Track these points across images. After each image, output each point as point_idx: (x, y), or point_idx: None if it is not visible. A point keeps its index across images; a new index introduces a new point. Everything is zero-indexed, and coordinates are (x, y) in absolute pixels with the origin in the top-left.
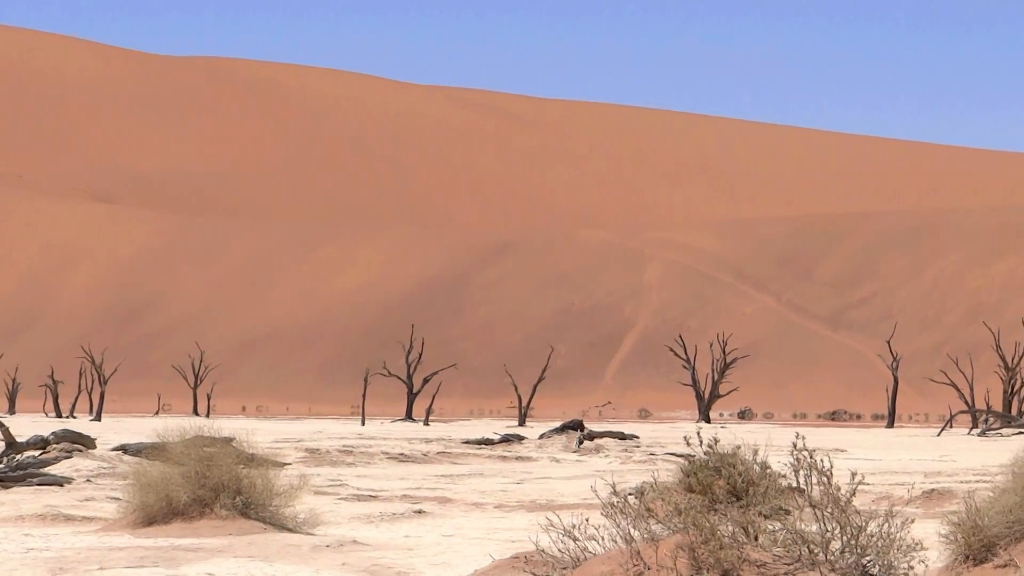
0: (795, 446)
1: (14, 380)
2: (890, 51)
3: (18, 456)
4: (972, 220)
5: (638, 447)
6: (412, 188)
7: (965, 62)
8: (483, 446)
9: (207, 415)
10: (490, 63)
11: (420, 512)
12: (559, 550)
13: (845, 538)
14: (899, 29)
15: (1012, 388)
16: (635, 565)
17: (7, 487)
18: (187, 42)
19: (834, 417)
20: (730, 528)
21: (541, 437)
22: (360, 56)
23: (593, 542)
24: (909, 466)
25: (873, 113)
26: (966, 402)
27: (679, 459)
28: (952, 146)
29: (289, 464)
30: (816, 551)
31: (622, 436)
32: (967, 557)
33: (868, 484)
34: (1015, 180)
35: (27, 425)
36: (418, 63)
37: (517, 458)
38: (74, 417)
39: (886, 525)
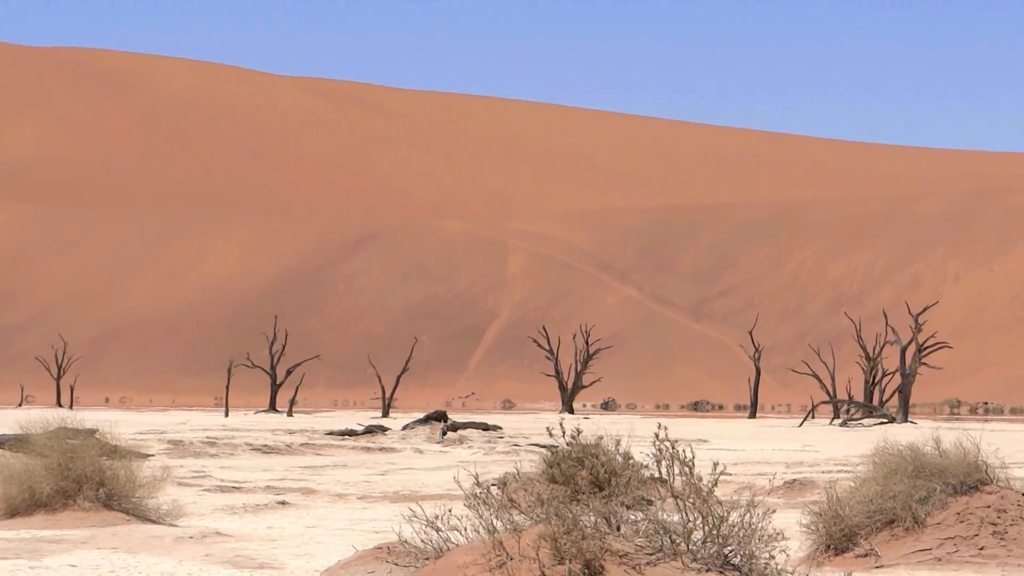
0: (657, 436)
1: None
2: (748, 41)
3: None
4: (832, 211)
5: (501, 438)
6: (273, 179)
7: (821, 52)
8: (347, 437)
9: (70, 406)
10: (350, 54)
11: (283, 503)
12: (422, 541)
13: (707, 528)
14: (756, 18)
15: (873, 378)
16: (497, 555)
17: None
18: (45, 32)
19: (697, 407)
20: (592, 518)
21: (405, 428)
22: (219, 47)
23: (456, 533)
24: (771, 456)
25: (734, 104)
26: (828, 392)
27: (542, 450)
28: (813, 137)
29: (152, 455)
30: (678, 541)
31: (485, 427)
32: (828, 547)
33: (730, 474)
34: (875, 171)
35: None
36: (277, 54)
37: (381, 449)
38: None
39: (748, 515)
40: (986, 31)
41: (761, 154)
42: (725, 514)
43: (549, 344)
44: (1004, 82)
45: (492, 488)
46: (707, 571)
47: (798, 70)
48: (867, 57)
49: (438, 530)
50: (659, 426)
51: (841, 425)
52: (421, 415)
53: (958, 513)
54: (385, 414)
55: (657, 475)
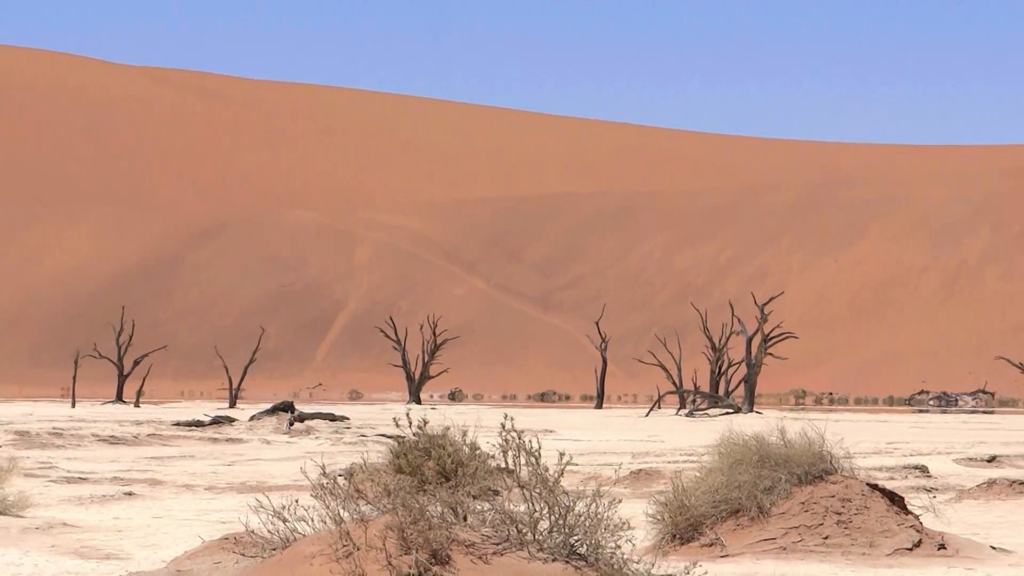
0: (504, 427)
1: None
2: (596, 31)
3: None
4: (680, 202)
5: (348, 428)
6: (120, 169)
7: (669, 42)
8: (194, 428)
9: None
10: (199, 43)
11: (130, 494)
12: (269, 531)
13: (553, 518)
14: (605, 7)
15: (719, 369)
16: (344, 546)
17: None
18: None
19: (544, 398)
20: (439, 509)
21: (252, 419)
22: (66, 36)
23: (303, 523)
24: (617, 446)
25: (579, 95)
26: (674, 383)
27: (389, 440)
28: (661, 128)
29: None
30: (524, 531)
31: (333, 418)
32: (674, 536)
33: (577, 464)
34: (722, 162)
35: None
36: (125, 43)
37: (228, 440)
38: None
39: (594, 505)
40: (832, 21)
41: (609, 145)
42: (571, 504)
43: (396, 335)
44: (850, 73)
45: (339, 479)
46: (553, 560)
47: (646, 61)
48: (713, 47)
49: (285, 521)
50: (506, 416)
51: (687, 415)
52: (268, 406)
53: (803, 503)
54: (232, 405)
55: (503, 465)
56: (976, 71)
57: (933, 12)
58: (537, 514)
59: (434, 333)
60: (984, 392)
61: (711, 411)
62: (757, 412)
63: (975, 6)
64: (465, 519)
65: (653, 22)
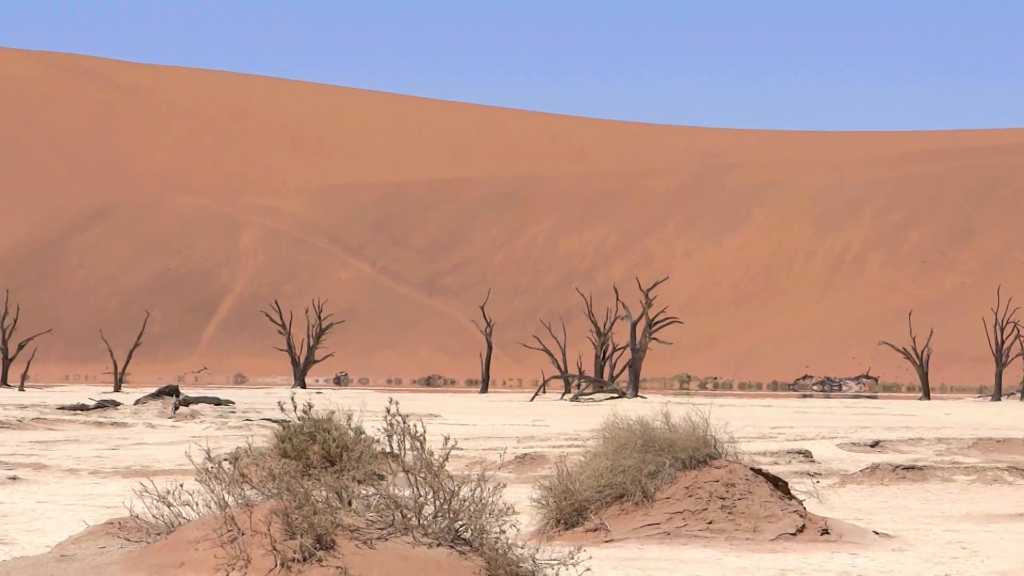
0: (389, 411)
1: None
2: (479, 15)
3: None
4: (564, 187)
5: (234, 413)
6: (4, 152)
7: (549, 27)
8: (78, 412)
9: None
10: (84, 27)
11: (14, 479)
12: (153, 516)
13: (438, 503)
14: None
15: (604, 353)
16: (229, 531)
17: None
18: None
19: (429, 382)
20: (324, 493)
21: (137, 403)
22: None
23: (188, 508)
24: (503, 431)
25: (465, 79)
26: (559, 367)
27: (274, 425)
28: (546, 113)
29: None
30: (409, 516)
31: (218, 402)
32: (559, 521)
33: (462, 449)
34: (608, 147)
35: None
36: (11, 26)
37: (113, 424)
38: None
39: (478, 490)
40: (717, 7)
41: (494, 130)
42: (456, 489)
43: (282, 319)
44: (735, 59)
45: (224, 463)
46: (438, 545)
47: (532, 46)
48: (599, 32)
49: (169, 505)
50: (391, 401)
51: (572, 400)
52: (153, 390)
53: (687, 487)
54: (117, 388)
55: (388, 450)
56: (859, 57)
57: None
58: (422, 499)
59: (319, 317)
60: (867, 377)
61: (596, 396)
62: (642, 397)
63: None
64: (350, 504)
65: (540, 6)
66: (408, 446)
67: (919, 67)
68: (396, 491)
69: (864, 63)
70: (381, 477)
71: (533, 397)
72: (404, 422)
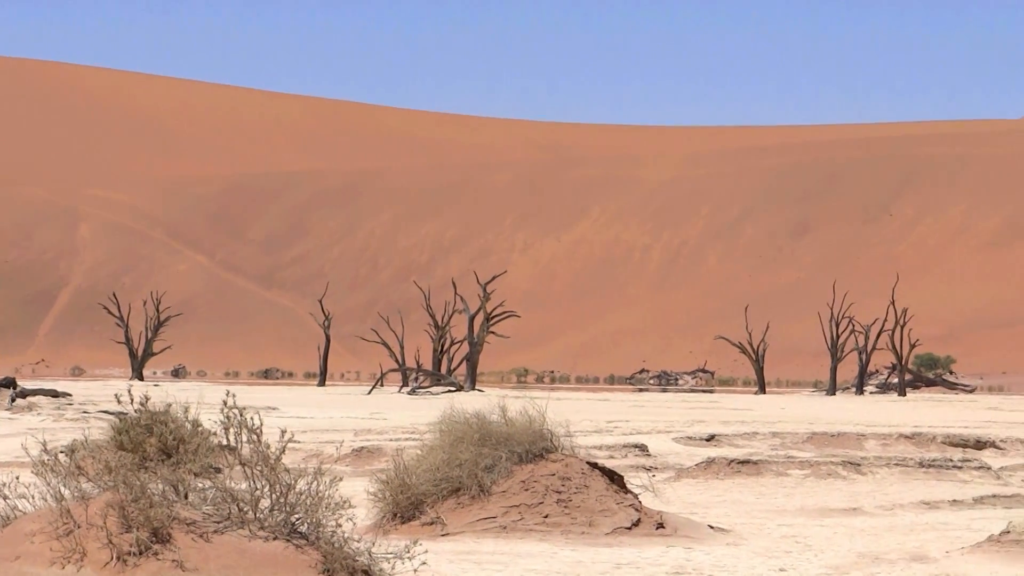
0: (226, 404)
1: None
2: (317, 9)
3: None
4: (404, 180)
5: (71, 405)
6: None
7: (395, 20)
8: None
9: None
10: None
11: None
12: None
13: (274, 496)
14: None
15: (442, 347)
16: (65, 523)
17: None
18: None
19: (267, 375)
20: (160, 486)
21: None
22: None
23: (24, 500)
24: (340, 424)
25: (302, 72)
26: (397, 360)
27: (111, 417)
28: (383, 106)
29: None
30: (245, 509)
31: (55, 394)
32: (395, 515)
33: (299, 442)
34: (446, 140)
35: None
36: None
37: None
38: None
39: (315, 483)
40: (553, 6)
41: (333, 123)
42: (292, 482)
43: (120, 311)
44: (573, 52)
45: (60, 455)
46: (274, 539)
47: (367, 39)
48: (439, 25)
49: (5, 498)
50: (228, 393)
51: (410, 393)
52: None
53: (523, 481)
54: None
55: (225, 443)
56: (697, 52)
57: None
58: (258, 492)
59: (157, 310)
60: (704, 371)
61: (433, 389)
62: (479, 390)
63: None
64: (186, 497)
65: (372, 2)
66: (245, 439)
67: (756, 62)
68: (233, 484)
69: (702, 58)
70: (218, 470)
71: (371, 390)
72: (241, 415)
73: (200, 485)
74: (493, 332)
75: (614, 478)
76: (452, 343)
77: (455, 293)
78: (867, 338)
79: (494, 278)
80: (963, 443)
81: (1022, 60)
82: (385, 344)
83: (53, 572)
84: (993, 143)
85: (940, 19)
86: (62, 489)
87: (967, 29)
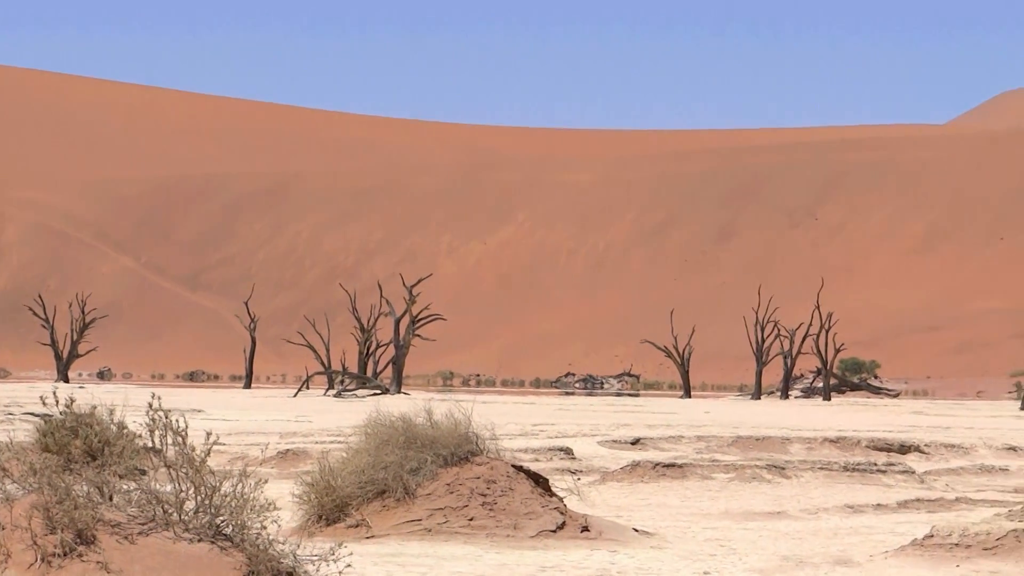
0: (151, 406)
1: None
2: (242, 11)
3: None
4: (330, 183)
5: None
6: None
7: (320, 23)
8: None
9: None
10: None
11: None
12: None
13: (199, 498)
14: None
15: (368, 350)
16: None
17: None
18: None
19: (193, 378)
20: (85, 488)
21: None
22: None
23: None
24: (265, 426)
25: (229, 74)
26: (322, 363)
27: (36, 419)
28: (309, 108)
29: None
30: (170, 511)
31: None
32: (320, 517)
33: (224, 444)
34: (371, 144)
35: None
36: None
37: None
38: None
39: (240, 485)
40: (470, 6)
41: (259, 125)
42: (217, 484)
43: (45, 313)
44: (500, 56)
45: None
46: (199, 541)
47: (293, 42)
48: (365, 28)
49: None
50: (153, 396)
51: (335, 396)
52: None
53: (448, 484)
54: None
55: (150, 445)
56: (622, 57)
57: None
58: (183, 494)
59: (83, 311)
60: (629, 375)
61: (359, 392)
62: (405, 393)
63: None
64: (111, 499)
65: (307, 2)
66: (170, 441)
67: (682, 67)
68: (158, 486)
69: (626, 63)
70: (143, 472)
71: (296, 393)
72: (166, 417)
73: (125, 487)
74: (419, 335)
75: (539, 481)
76: (378, 346)
77: (381, 296)
78: (792, 342)
79: (420, 281)
80: (887, 447)
81: (947, 66)
82: (311, 347)
83: None
84: (918, 148)
85: (867, 25)
86: None
87: (893, 35)
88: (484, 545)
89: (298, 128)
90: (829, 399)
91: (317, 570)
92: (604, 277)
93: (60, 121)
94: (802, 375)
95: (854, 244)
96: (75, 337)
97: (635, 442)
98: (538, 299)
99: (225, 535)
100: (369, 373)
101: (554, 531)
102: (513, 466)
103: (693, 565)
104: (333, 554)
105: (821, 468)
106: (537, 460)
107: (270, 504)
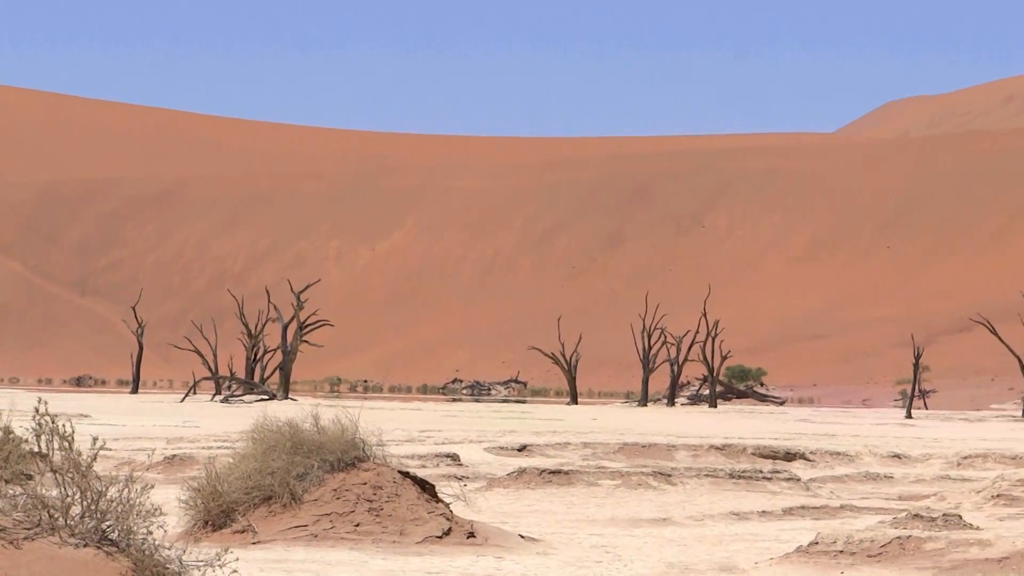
0: (37, 411)
1: None
2: (130, 14)
3: None
4: (217, 188)
5: None
6: None
7: (208, 28)
8: None
9: None
10: None
11: None
12: None
13: (86, 503)
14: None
15: (255, 355)
16: None
17: None
18: None
19: (80, 382)
20: None
21: None
22: None
23: None
24: (152, 432)
25: (119, 77)
26: (210, 369)
27: None
28: (198, 114)
29: None
30: (56, 516)
31: None
32: (207, 522)
33: (111, 449)
34: (259, 149)
35: None
36: None
37: None
38: None
39: (126, 490)
40: (369, 18)
41: (148, 130)
42: (104, 489)
43: None
44: (388, 62)
45: None
46: (85, 546)
47: (181, 46)
48: (253, 34)
49: None
50: (40, 400)
51: (223, 401)
52: None
53: (335, 489)
54: None
55: (37, 450)
56: (510, 63)
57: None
58: (69, 499)
59: None
60: (517, 381)
61: (246, 397)
62: (292, 399)
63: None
64: None
65: (195, 7)
66: (56, 446)
67: (571, 75)
68: (44, 491)
69: (514, 71)
70: (29, 477)
71: (184, 398)
72: (53, 422)
73: (11, 492)
74: (306, 341)
75: (426, 487)
76: (265, 352)
77: (269, 301)
78: (679, 349)
79: (308, 287)
80: (773, 455)
81: (835, 76)
82: (198, 352)
83: None
84: (805, 157)
85: (756, 34)
86: None
87: (781, 45)
88: (370, 551)
89: (187, 133)
90: (715, 406)
91: (203, 575)
92: (492, 284)
93: None
94: (689, 382)
95: (741, 252)
96: None
97: (522, 449)
98: (426, 305)
99: (111, 540)
100: (256, 379)
101: (440, 537)
102: (400, 472)
103: (579, 572)
104: (219, 559)
105: (707, 475)
106: (424, 466)
107: (156, 509)
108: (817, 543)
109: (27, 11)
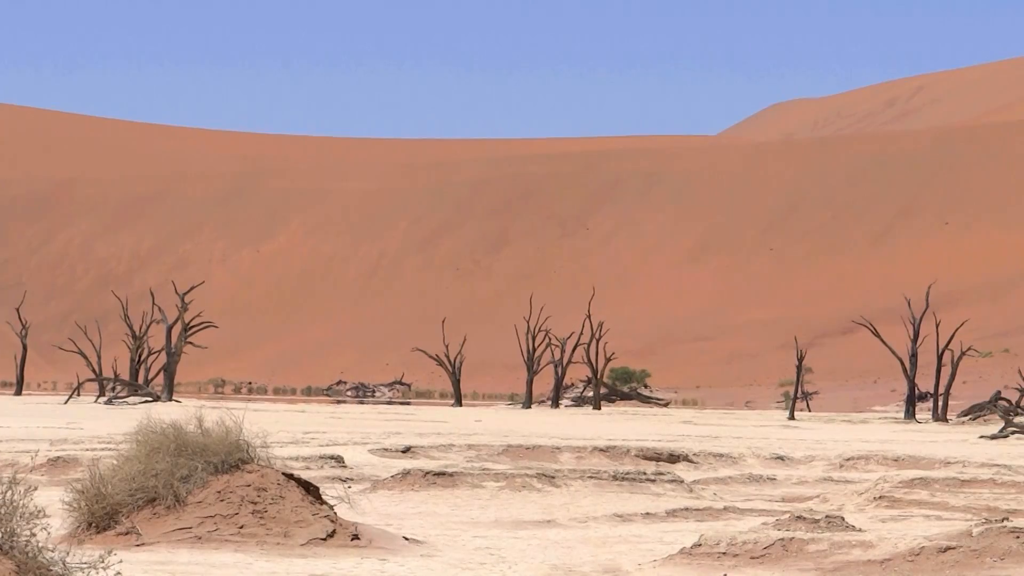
0: None
1: None
2: (26, 13)
3: None
4: (102, 189)
5: None
6: None
7: (93, 27)
8: None
9: None
10: None
11: None
12: None
13: None
14: None
15: (140, 357)
16: None
17: None
18: None
19: None
20: None
21: None
22: None
23: None
24: (36, 433)
25: (5, 79)
26: (94, 370)
27: None
28: (81, 114)
29: None
30: None
31: None
32: (90, 524)
33: None
34: (143, 150)
35: None
36: None
37: None
38: None
39: (9, 493)
40: (251, 19)
41: (30, 131)
42: None
43: None
44: (271, 63)
45: None
46: None
47: (64, 46)
48: (140, 35)
49: None
50: None
51: (107, 403)
52: None
53: (219, 491)
54: None
55: None
56: (395, 65)
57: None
58: None
59: None
60: (401, 383)
61: (130, 399)
62: (176, 401)
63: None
64: None
65: (82, 5)
66: None
67: (454, 77)
68: None
69: (398, 73)
70: None
71: (67, 400)
72: None
73: None
74: (191, 342)
75: (310, 489)
76: (150, 353)
77: (153, 303)
78: (563, 351)
79: (192, 288)
80: (657, 456)
81: (718, 78)
82: (82, 354)
83: None
84: (688, 159)
85: (639, 36)
86: None
87: (665, 47)
88: (254, 553)
89: (70, 134)
90: (599, 408)
91: None
92: (377, 285)
93: None
94: (573, 384)
95: (625, 254)
96: None
97: (406, 450)
98: (311, 307)
99: None
100: (141, 380)
101: (324, 539)
102: (284, 474)
103: (463, 574)
104: (102, 562)
105: (591, 477)
106: (308, 468)
107: (40, 511)
108: (700, 545)
109: None
